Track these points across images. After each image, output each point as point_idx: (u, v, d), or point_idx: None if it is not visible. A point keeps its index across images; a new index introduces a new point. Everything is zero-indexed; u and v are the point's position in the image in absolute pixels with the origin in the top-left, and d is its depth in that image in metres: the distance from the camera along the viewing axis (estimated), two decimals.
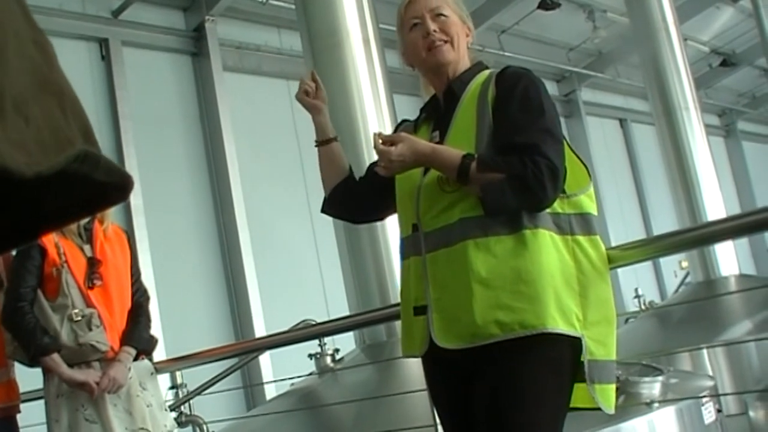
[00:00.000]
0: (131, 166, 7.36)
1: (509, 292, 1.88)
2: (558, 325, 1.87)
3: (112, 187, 0.68)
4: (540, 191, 1.88)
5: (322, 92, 2.38)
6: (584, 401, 2.01)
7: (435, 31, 2.15)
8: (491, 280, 1.90)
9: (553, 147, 1.91)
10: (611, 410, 1.96)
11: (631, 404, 3.81)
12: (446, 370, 2.08)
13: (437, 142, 2.10)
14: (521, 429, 1.89)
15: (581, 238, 1.98)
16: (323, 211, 2.51)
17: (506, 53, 11.63)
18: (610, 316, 2.00)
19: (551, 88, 13.75)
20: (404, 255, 2.18)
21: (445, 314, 1.98)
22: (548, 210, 1.95)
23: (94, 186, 0.65)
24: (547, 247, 1.92)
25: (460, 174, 1.94)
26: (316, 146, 2.43)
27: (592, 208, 2.05)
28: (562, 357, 1.91)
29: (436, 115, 2.23)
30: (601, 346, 1.94)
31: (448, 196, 2.01)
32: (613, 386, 1.97)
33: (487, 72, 2.15)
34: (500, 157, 1.95)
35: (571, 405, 2.00)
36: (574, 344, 1.91)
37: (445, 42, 2.15)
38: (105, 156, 0.66)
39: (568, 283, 1.92)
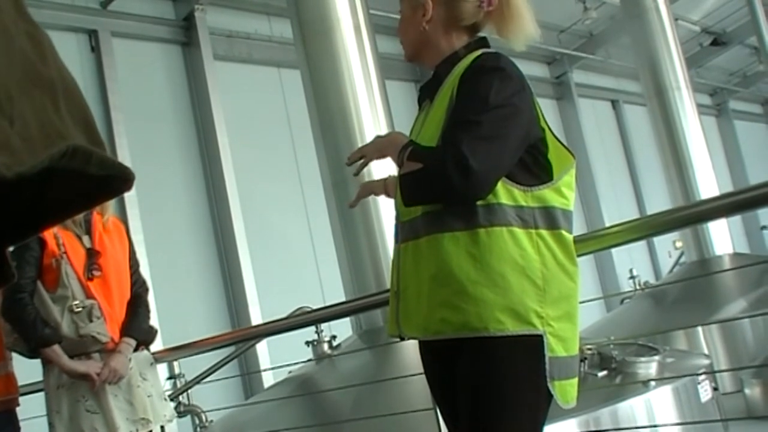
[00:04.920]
0: (123, 158, 7.32)
1: (457, 292, 1.89)
2: (505, 327, 1.86)
3: (111, 179, 0.68)
4: (444, 182, 1.85)
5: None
6: None
7: (398, 31, 2.23)
8: (441, 277, 1.91)
9: (474, 138, 1.84)
10: (568, 405, 1.96)
11: (627, 384, 3.83)
12: (435, 356, 2.11)
13: None
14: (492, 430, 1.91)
15: (545, 233, 1.95)
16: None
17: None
18: (573, 312, 1.99)
19: (542, 70, 13.73)
20: (394, 240, 2.22)
21: (406, 305, 2.04)
22: (511, 203, 1.92)
23: (89, 180, 0.66)
24: (503, 245, 1.90)
25: (399, 162, 2.00)
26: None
27: (557, 201, 1.99)
28: (521, 356, 1.90)
29: (432, 96, 2.21)
30: (561, 342, 1.93)
31: None
32: (573, 381, 1.97)
33: (474, 54, 2.11)
34: (431, 148, 1.96)
35: None
36: (534, 341, 1.90)
37: (403, 41, 2.22)
38: (98, 150, 0.66)
39: (530, 279, 1.90)
